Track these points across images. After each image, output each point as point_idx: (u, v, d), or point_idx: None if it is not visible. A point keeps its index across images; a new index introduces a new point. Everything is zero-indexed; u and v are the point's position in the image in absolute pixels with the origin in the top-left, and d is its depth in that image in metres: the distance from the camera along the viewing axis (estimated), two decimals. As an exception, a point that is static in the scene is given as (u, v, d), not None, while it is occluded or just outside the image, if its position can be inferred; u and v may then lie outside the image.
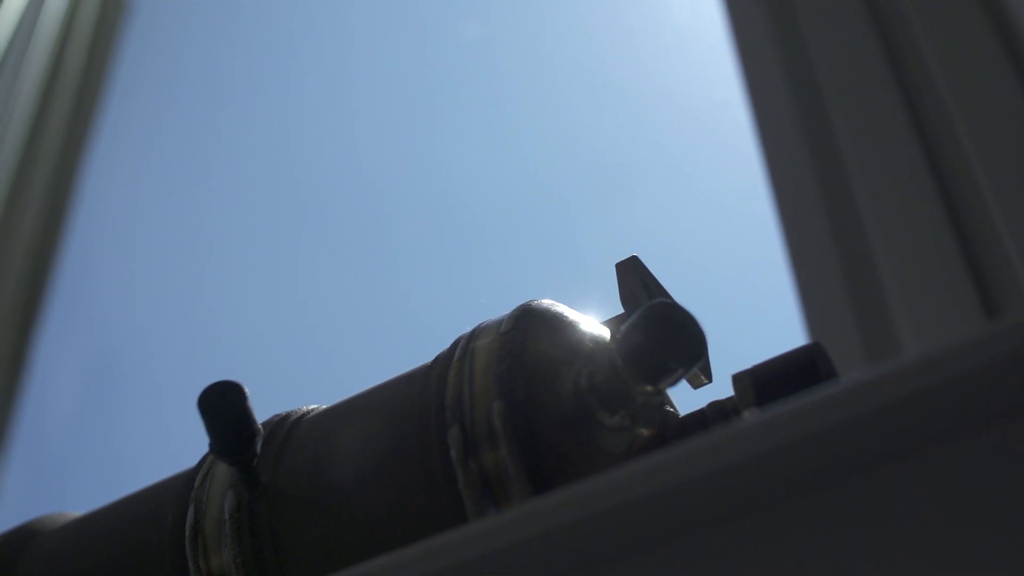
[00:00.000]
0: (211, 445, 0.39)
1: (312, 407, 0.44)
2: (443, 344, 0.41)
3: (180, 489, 0.43)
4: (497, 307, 0.41)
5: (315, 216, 1.32)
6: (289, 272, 1.31)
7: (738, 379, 0.38)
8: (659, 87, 0.98)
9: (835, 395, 0.31)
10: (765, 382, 0.38)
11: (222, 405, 0.38)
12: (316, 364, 1.20)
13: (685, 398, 0.43)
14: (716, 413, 0.39)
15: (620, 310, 0.42)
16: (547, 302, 0.41)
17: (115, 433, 1.29)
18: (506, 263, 1.00)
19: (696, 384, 0.42)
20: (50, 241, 1.31)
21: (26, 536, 0.48)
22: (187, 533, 0.41)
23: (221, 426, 0.38)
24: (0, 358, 1.22)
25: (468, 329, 0.41)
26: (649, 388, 0.37)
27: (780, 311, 0.69)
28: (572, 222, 0.97)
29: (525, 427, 0.36)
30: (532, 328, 0.39)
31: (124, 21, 1.47)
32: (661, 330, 0.35)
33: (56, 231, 1.32)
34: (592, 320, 0.42)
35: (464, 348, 0.39)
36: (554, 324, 0.39)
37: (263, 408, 0.43)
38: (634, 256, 0.41)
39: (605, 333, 0.41)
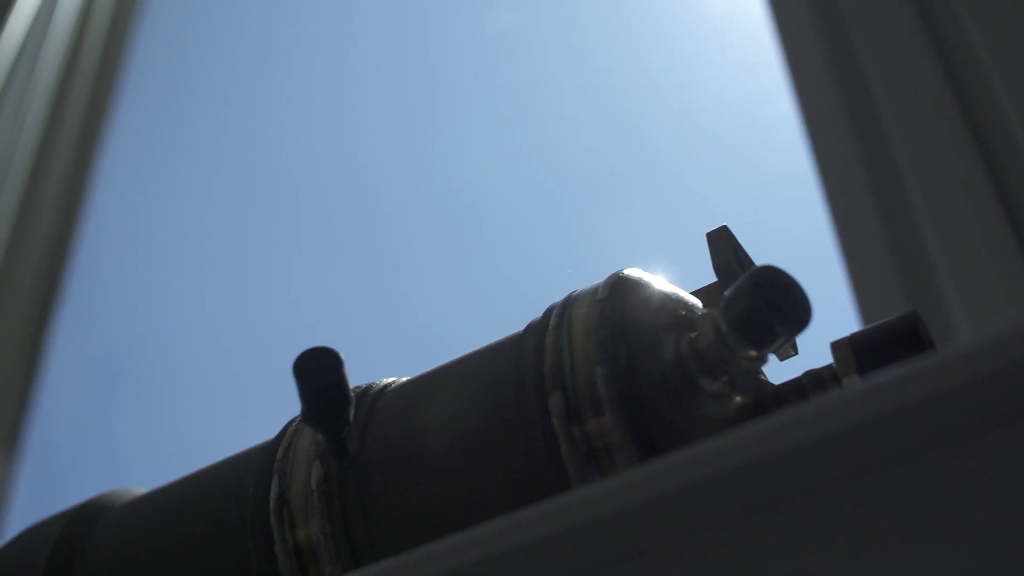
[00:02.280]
0: (304, 412, 0.38)
1: (390, 380, 0.44)
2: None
3: (259, 462, 0.43)
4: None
5: (321, 215, 1.32)
6: (289, 272, 1.31)
7: (837, 347, 0.38)
8: (697, 75, 0.98)
9: (947, 361, 0.31)
10: (866, 349, 0.37)
11: (319, 370, 0.38)
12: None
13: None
14: (813, 381, 0.39)
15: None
16: (637, 271, 0.40)
17: (120, 432, 1.28)
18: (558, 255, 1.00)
19: (784, 356, 0.42)
20: (64, 239, 1.31)
21: (94, 512, 0.47)
22: (271, 505, 0.41)
23: (316, 392, 0.38)
24: (16, 356, 1.21)
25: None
26: (753, 353, 0.36)
27: (829, 300, 0.68)
28: (621, 209, 0.97)
29: (629, 392, 0.36)
30: (629, 295, 0.38)
31: (138, 15, 1.47)
32: (770, 294, 0.35)
33: (70, 229, 1.31)
34: (681, 290, 0.41)
35: (560, 316, 0.39)
36: (649, 292, 0.39)
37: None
38: (724, 226, 0.41)
39: (697, 302, 0.41)
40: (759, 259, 0.43)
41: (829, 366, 0.38)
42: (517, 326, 0.42)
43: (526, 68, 1.17)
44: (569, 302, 0.39)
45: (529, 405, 0.37)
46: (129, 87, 1.43)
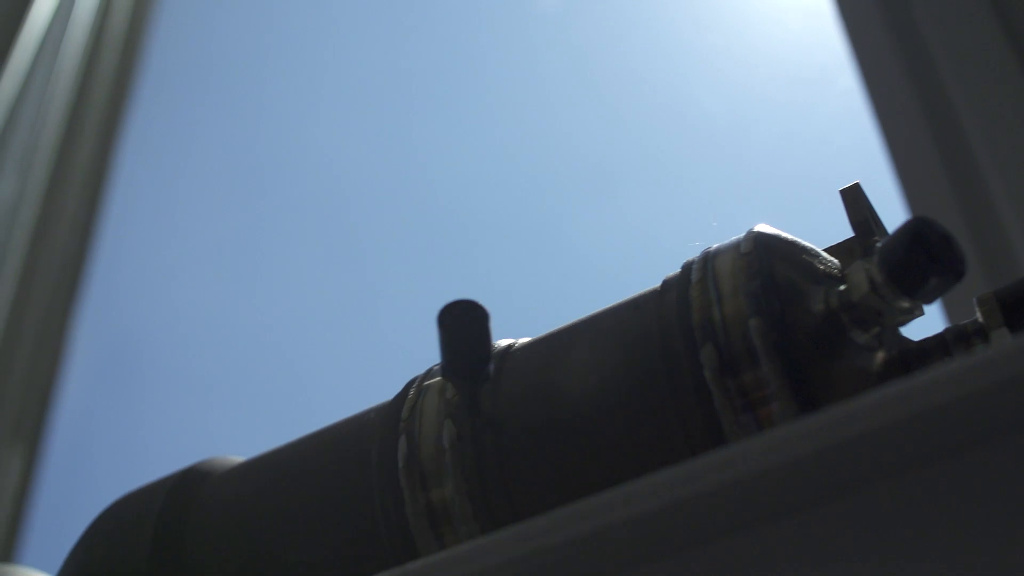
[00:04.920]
0: (445, 365, 0.38)
1: (509, 341, 0.43)
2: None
3: (380, 423, 0.42)
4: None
5: (327, 213, 1.32)
6: (294, 270, 1.31)
7: (983, 301, 0.38)
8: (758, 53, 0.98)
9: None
10: (1014, 303, 0.37)
11: (465, 322, 0.37)
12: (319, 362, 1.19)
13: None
14: (957, 337, 0.38)
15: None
16: (771, 228, 0.40)
17: (127, 423, 1.27)
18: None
19: (906, 320, 0.42)
20: (85, 235, 1.29)
21: (196, 478, 0.46)
22: (400, 465, 0.40)
23: (461, 344, 0.37)
24: (39, 352, 1.20)
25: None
26: (906, 304, 0.36)
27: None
28: (696, 178, 0.97)
29: (784, 344, 0.35)
30: (772, 250, 0.38)
31: (155, 12, 1.46)
32: (928, 244, 0.35)
33: (90, 228, 1.30)
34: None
35: (702, 270, 0.38)
36: (791, 246, 0.39)
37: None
38: (857, 183, 0.41)
39: (831, 258, 0.40)
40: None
41: (974, 321, 0.38)
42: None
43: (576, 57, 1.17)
44: (709, 257, 0.39)
45: (678, 359, 0.37)
46: (149, 77, 1.42)
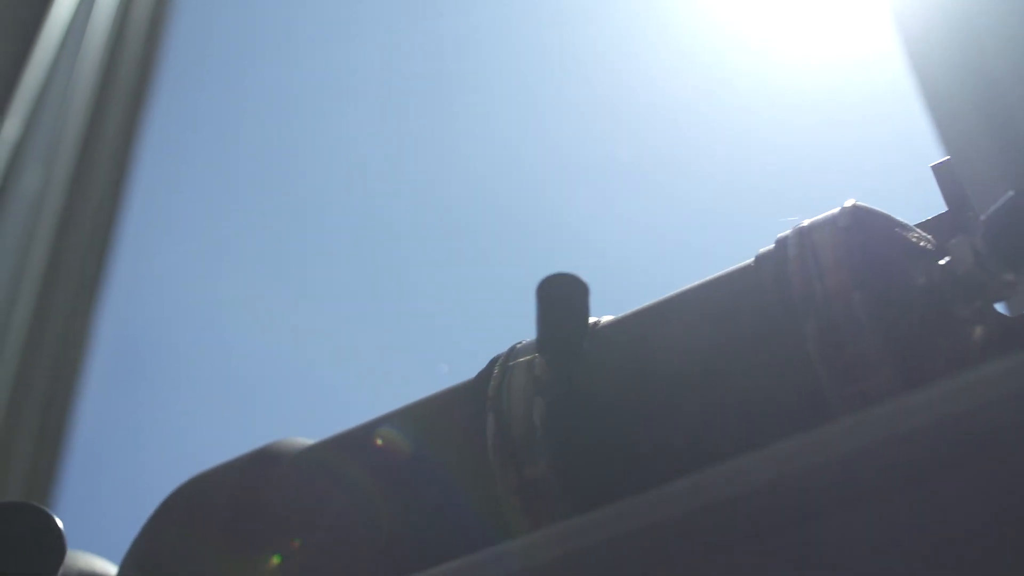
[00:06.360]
0: (541, 339, 0.37)
1: (593, 318, 0.43)
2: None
3: (467, 401, 0.41)
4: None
5: (338, 212, 1.32)
6: (292, 271, 1.30)
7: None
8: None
9: None
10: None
11: (565, 296, 0.36)
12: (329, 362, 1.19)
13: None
14: (1055, 312, 0.38)
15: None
16: (863, 204, 0.40)
17: (147, 416, 1.27)
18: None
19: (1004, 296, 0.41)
20: (109, 225, 1.29)
21: (269, 458, 0.46)
22: (489, 443, 0.39)
23: (560, 317, 0.36)
24: (66, 340, 1.19)
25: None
26: (1011, 277, 0.36)
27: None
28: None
29: (888, 318, 0.35)
30: (872, 223, 0.38)
31: (178, 3, 1.45)
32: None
33: (114, 217, 1.30)
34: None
35: (799, 245, 0.38)
36: (888, 221, 0.38)
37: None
38: (948, 158, 0.41)
39: (924, 233, 0.40)
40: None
41: (1071, 295, 0.38)
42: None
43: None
44: (805, 232, 0.38)
45: (779, 333, 0.36)
46: (167, 77, 1.41)
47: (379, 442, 0.44)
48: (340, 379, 1.20)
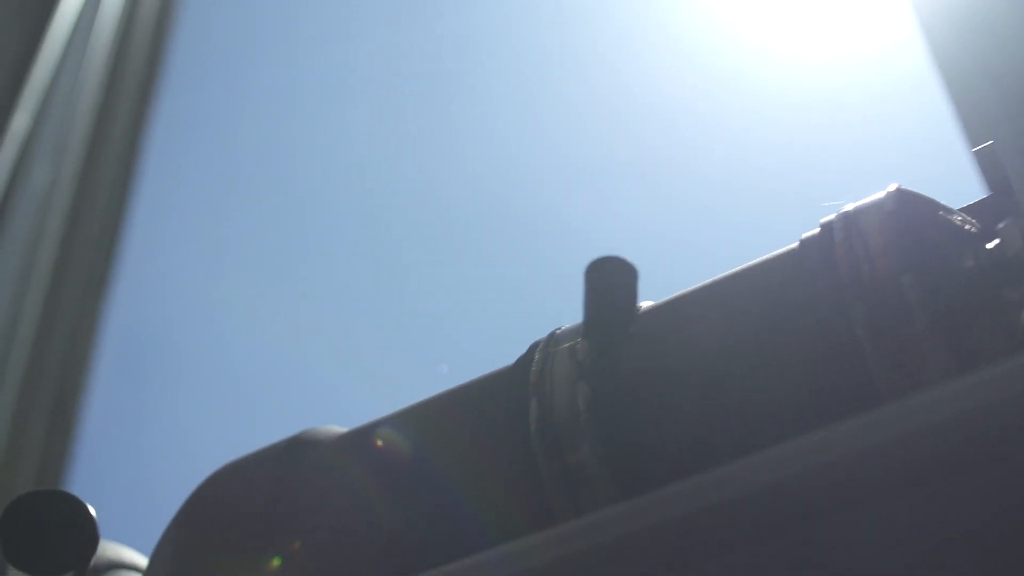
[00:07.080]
0: (589, 322, 0.37)
1: None
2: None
3: (508, 387, 0.41)
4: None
5: (328, 215, 1.32)
6: (294, 272, 1.30)
7: None
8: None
9: None
10: None
11: (614, 279, 0.36)
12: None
13: None
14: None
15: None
16: (907, 188, 0.40)
17: (155, 411, 1.27)
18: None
19: None
20: (117, 220, 1.29)
21: (304, 446, 0.46)
22: (532, 429, 0.39)
23: (605, 301, 0.36)
24: (75, 335, 1.19)
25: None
26: (1060, 262, 0.36)
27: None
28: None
29: (941, 301, 0.35)
30: (919, 207, 0.38)
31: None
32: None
33: (122, 212, 1.29)
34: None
35: (845, 229, 0.38)
36: (934, 205, 0.38)
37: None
38: (991, 143, 0.40)
39: (969, 219, 0.40)
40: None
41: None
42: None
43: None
44: (851, 216, 0.38)
45: (827, 318, 0.36)
46: (175, 73, 1.41)
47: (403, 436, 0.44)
48: (344, 374, 1.20)
